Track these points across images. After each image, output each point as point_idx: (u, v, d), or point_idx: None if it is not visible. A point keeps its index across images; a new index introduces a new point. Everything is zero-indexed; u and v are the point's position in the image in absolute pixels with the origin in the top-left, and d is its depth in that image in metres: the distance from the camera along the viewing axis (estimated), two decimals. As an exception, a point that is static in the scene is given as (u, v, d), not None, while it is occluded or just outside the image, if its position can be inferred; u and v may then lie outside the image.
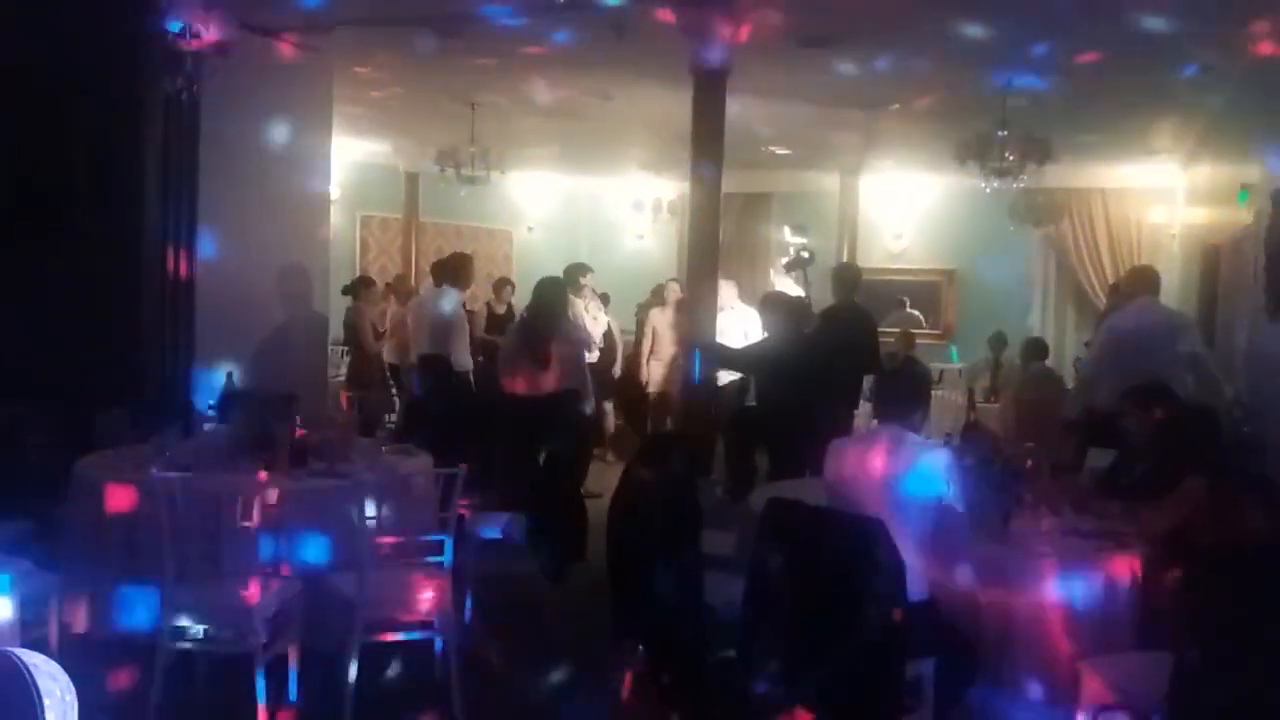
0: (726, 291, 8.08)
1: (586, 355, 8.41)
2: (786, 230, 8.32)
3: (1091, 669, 3.38)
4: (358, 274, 10.85)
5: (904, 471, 3.56)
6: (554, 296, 6.49)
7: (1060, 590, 3.58)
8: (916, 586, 3.40)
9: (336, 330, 8.97)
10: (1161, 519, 3.74)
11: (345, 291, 9.11)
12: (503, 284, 10.62)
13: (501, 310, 10.09)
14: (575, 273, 8.86)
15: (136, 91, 5.76)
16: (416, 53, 7.23)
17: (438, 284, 8.30)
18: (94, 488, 4.40)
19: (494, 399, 6.82)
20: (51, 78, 5.53)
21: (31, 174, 5.59)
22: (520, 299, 9.22)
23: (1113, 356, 5.93)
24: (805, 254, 7.72)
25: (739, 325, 8.18)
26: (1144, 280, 6.19)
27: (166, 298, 6.14)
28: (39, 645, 3.94)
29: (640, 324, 10.07)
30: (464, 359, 8.09)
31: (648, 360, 9.21)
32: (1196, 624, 2.93)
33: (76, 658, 3.90)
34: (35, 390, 5.10)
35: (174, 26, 5.36)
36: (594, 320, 9.18)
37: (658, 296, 9.71)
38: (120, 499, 4.27)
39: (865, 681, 3.19)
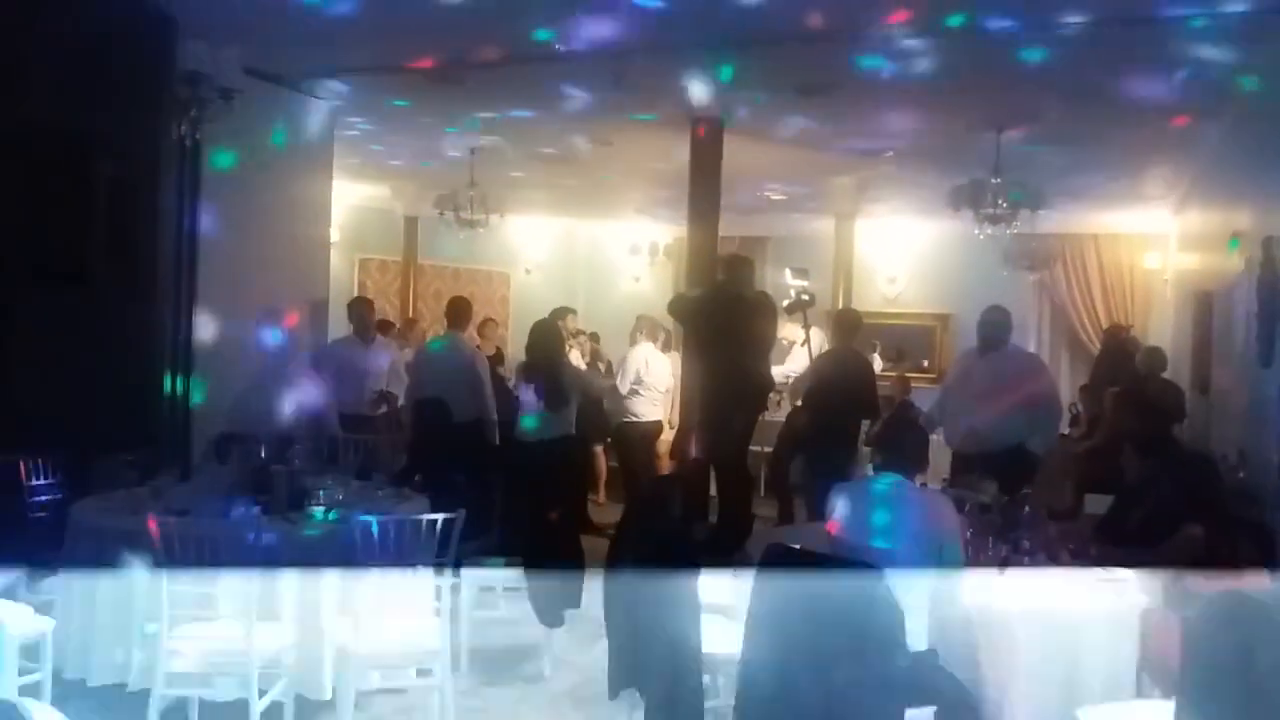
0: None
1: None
2: (787, 273, 8.27)
3: (1093, 718, 3.37)
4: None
5: (903, 518, 3.57)
6: (550, 337, 6.60)
7: (1059, 637, 3.58)
8: (916, 634, 3.39)
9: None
10: (1159, 566, 3.74)
11: None
12: (489, 324, 10.65)
13: (490, 352, 10.08)
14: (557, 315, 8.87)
15: (150, 142, 5.81)
16: (417, 99, 7.32)
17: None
18: (91, 532, 4.38)
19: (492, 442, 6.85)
20: (67, 133, 5.52)
21: (48, 229, 5.56)
22: (516, 339, 9.18)
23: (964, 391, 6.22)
24: (806, 297, 7.67)
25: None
26: (1004, 326, 6.31)
27: (167, 341, 6.16)
28: (36, 691, 3.93)
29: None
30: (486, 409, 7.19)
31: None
32: (1196, 671, 2.93)
33: (73, 704, 3.87)
34: (37, 435, 5.07)
35: (179, 72, 5.42)
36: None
37: (650, 333, 9.45)
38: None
39: (865, 730, 3.17)
